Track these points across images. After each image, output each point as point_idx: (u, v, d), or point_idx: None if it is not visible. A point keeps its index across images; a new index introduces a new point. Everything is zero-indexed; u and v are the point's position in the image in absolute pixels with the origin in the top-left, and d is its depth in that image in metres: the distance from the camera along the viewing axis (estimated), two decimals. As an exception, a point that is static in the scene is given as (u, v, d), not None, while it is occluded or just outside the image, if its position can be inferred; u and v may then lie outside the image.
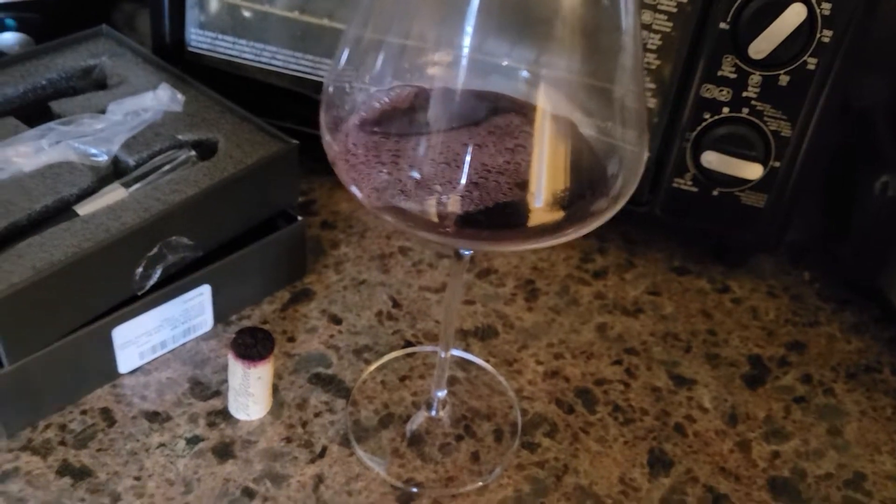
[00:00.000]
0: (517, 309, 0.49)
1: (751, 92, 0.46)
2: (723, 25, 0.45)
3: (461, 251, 0.35)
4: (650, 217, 0.52)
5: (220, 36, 0.52)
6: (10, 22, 0.57)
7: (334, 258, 0.50)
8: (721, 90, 0.46)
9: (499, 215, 0.29)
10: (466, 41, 0.27)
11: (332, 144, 0.30)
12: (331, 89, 0.30)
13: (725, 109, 0.47)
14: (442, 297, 0.49)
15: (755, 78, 0.46)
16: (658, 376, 0.46)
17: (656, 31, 0.46)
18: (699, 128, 0.48)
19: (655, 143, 0.49)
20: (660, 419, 0.44)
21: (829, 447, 0.44)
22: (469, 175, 0.28)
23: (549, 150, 0.29)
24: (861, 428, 0.45)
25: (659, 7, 0.46)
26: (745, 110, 0.46)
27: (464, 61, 0.27)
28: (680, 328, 0.49)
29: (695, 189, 0.50)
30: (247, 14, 0.52)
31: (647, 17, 0.46)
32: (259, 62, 0.52)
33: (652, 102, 0.48)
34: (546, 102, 0.29)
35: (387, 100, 0.30)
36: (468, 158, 0.28)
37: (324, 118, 0.30)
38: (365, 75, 0.29)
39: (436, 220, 0.28)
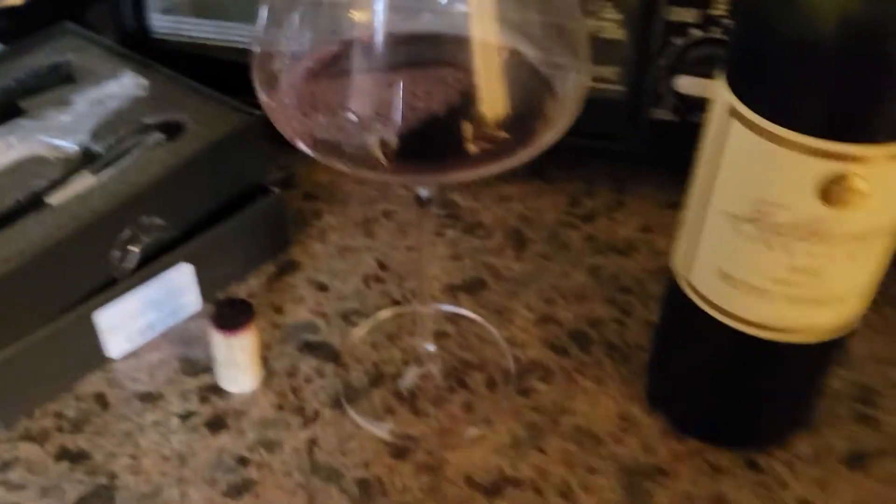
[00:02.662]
0: (506, 259, 0.49)
1: (719, 10, 0.45)
2: (682, -55, 0.43)
3: (422, 196, 0.34)
4: (635, 153, 0.51)
5: (182, 19, 0.52)
6: (-18, 32, 0.58)
7: (318, 228, 0.50)
8: (688, 11, 0.45)
9: (439, 146, 0.28)
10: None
11: (269, 102, 0.30)
12: (258, 50, 0.30)
13: (694, 31, 0.45)
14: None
15: (721, -6, 0.44)
16: (654, 311, 0.45)
17: (615, -41, 0.45)
18: (669, 53, 0.46)
19: (630, 74, 0.48)
20: (656, 352, 0.43)
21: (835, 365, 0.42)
22: (404, 110, 0.27)
23: (482, 76, 0.28)
24: (870, 343, 0.44)
25: (615, -67, 0.44)
26: (715, 29, 0.45)
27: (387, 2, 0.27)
28: (673, 261, 0.48)
29: (674, 118, 0.48)
30: (207, -6, 0.51)
31: (604, -55, 0.45)
32: (224, 40, 0.52)
33: (620, 34, 0.47)
34: (474, 32, 0.29)
35: (317, 51, 0.29)
36: (400, 94, 0.27)
37: (257, 77, 0.30)
38: (288, 32, 0.29)
39: (380, 158, 0.28)
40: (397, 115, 0.27)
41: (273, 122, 0.31)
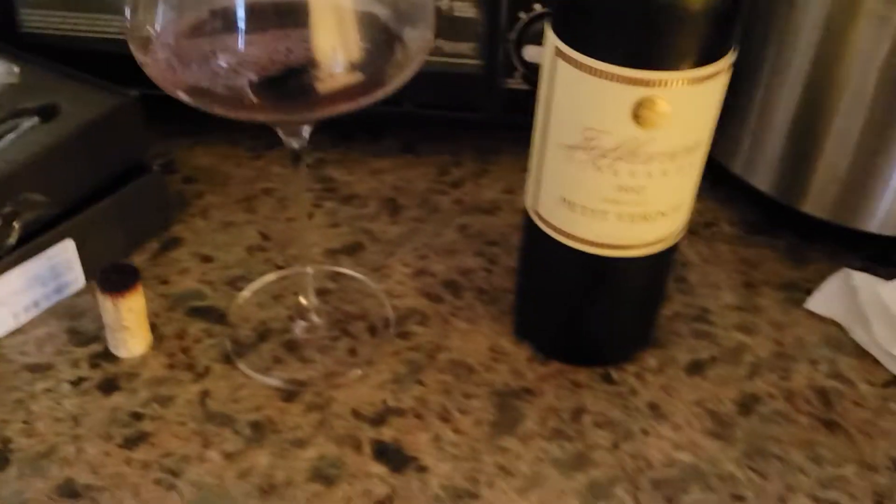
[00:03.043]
0: (382, 224, 0.52)
1: (555, -15, 0.50)
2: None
3: (296, 149, 0.37)
4: (495, 122, 0.56)
5: (51, 12, 0.53)
6: None
7: (199, 207, 0.52)
8: (529, -12, 0.50)
9: (299, 87, 0.31)
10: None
11: (144, 59, 0.33)
12: (130, 22, 0.32)
13: (537, 6, 0.51)
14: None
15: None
16: (516, 258, 0.50)
17: (461, -57, 0.50)
18: (517, 27, 0.51)
19: (484, 49, 0.53)
20: (521, 293, 0.47)
21: (676, 292, 0.48)
22: (268, 58, 0.31)
23: (338, 29, 0.32)
24: (703, 272, 0.49)
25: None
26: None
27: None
28: (534, 216, 0.53)
29: (527, 86, 0.53)
30: (75, -13, 0.53)
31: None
32: (94, 32, 0.53)
33: (473, 12, 0.52)
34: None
35: (185, 18, 0.32)
36: (266, 43, 0.30)
37: (132, 43, 0.32)
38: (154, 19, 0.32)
39: (249, 99, 0.31)
40: (263, 62, 0.30)
41: (150, 77, 0.33)
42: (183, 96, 0.32)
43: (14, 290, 0.43)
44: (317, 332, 0.44)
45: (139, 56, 0.33)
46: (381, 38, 0.33)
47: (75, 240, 0.45)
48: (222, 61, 0.31)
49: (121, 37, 0.54)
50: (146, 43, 0.33)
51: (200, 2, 0.33)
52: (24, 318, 0.44)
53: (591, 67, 0.33)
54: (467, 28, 0.52)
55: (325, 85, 0.31)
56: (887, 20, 0.42)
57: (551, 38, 0.35)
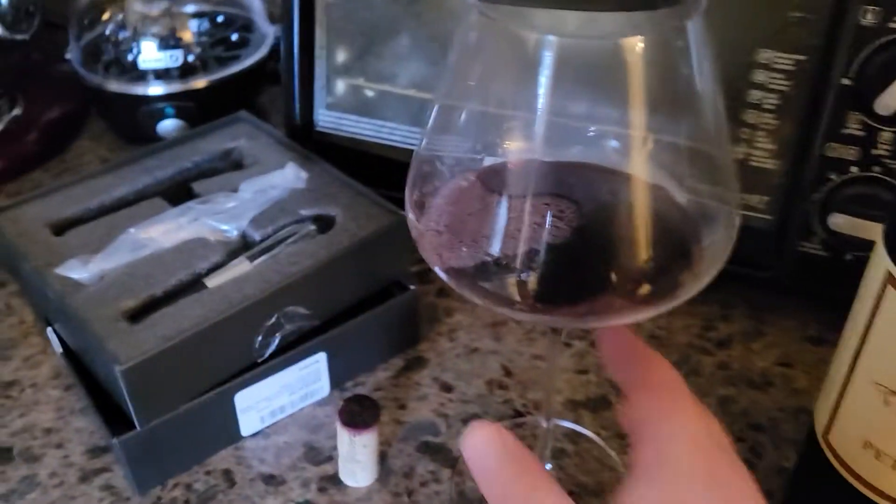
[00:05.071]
0: (633, 379, 0.48)
1: (881, 150, 0.43)
2: (845, 81, 0.42)
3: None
4: (777, 283, 0.49)
5: (344, 115, 0.56)
6: (169, 110, 0.64)
7: (448, 326, 0.51)
8: (848, 149, 0.44)
9: (579, 291, 0.28)
10: (540, 112, 0.27)
11: (415, 224, 0.31)
12: (415, 169, 0.31)
13: (854, 169, 0.44)
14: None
15: (885, 135, 0.43)
16: (787, 456, 0.43)
17: (773, 91, 0.45)
18: (825, 189, 0.45)
19: (779, 205, 0.47)
20: None
21: None
22: (547, 252, 0.28)
23: (632, 218, 0.28)
24: None
25: (774, 66, 0.44)
26: (876, 168, 0.44)
27: (539, 132, 0.27)
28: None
29: (824, 253, 0.47)
30: (369, 94, 0.55)
31: (762, 76, 0.45)
32: (379, 138, 0.55)
33: (773, 163, 0.46)
34: (626, 168, 0.29)
35: (467, 178, 0.30)
36: (545, 234, 0.28)
37: (409, 197, 0.31)
38: (445, 153, 0.30)
39: (516, 298, 0.28)
40: (539, 257, 0.28)
41: (415, 241, 0.32)
42: (443, 275, 0.30)
43: (265, 396, 0.44)
44: (546, 502, 0.41)
45: (412, 219, 0.32)
46: (676, 240, 0.29)
47: (328, 353, 0.45)
48: (493, 249, 0.28)
49: (400, 144, 0.55)
50: (422, 202, 0.32)
51: (486, 150, 0.31)
52: (268, 422, 0.45)
53: (934, 310, 0.27)
54: (762, 179, 0.47)
55: (614, 291, 0.28)
56: None
57: (882, 259, 0.29)
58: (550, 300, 0.28)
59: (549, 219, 0.28)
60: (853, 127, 0.43)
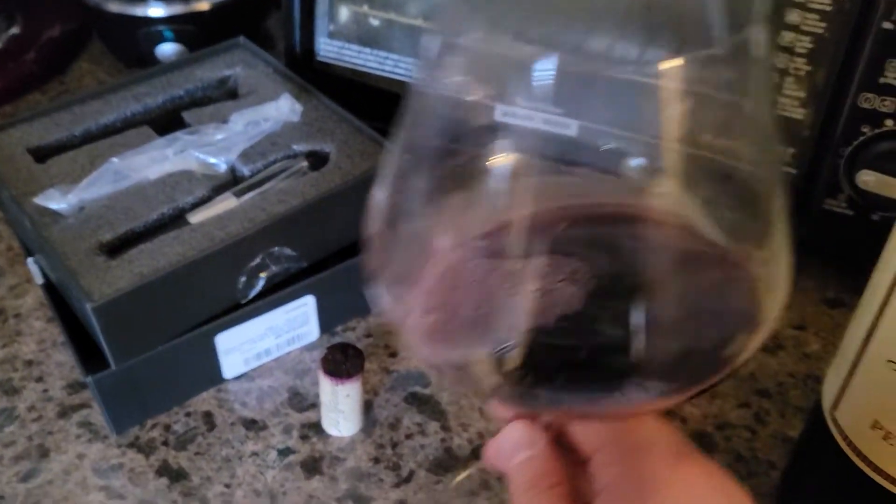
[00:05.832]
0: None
1: (921, 102, 0.39)
2: (887, 25, 0.39)
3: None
4: (797, 241, 0.46)
5: (346, 45, 0.53)
6: (168, 33, 0.61)
7: (446, 272, 0.49)
8: (883, 100, 0.40)
9: (578, 376, 0.22)
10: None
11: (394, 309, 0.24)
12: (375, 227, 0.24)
13: (889, 122, 0.40)
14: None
15: (927, 86, 0.39)
16: (792, 424, 0.41)
17: (807, 33, 0.41)
18: (856, 143, 0.41)
19: (805, 158, 0.43)
20: (787, 475, 0.38)
21: None
22: (538, 319, 0.21)
23: (654, 288, 0.21)
24: None
25: (810, 5, 0.40)
26: (914, 124, 0.40)
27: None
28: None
29: (850, 212, 0.43)
30: (374, 22, 0.52)
31: (795, 16, 0.41)
32: (383, 70, 0.52)
33: (801, 113, 0.43)
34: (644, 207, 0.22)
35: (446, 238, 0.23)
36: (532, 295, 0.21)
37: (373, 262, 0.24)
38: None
39: (493, 380, 0.22)
40: (523, 327, 0.21)
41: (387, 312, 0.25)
42: (412, 344, 0.23)
43: (249, 338, 0.42)
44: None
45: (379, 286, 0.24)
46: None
47: (316, 296, 0.43)
48: (467, 313, 0.22)
49: (405, 78, 0.52)
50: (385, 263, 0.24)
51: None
52: (253, 364, 0.43)
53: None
54: (789, 130, 0.43)
55: (623, 378, 0.21)
56: None
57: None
58: (537, 384, 0.22)
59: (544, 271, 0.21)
60: (891, 76, 0.39)
